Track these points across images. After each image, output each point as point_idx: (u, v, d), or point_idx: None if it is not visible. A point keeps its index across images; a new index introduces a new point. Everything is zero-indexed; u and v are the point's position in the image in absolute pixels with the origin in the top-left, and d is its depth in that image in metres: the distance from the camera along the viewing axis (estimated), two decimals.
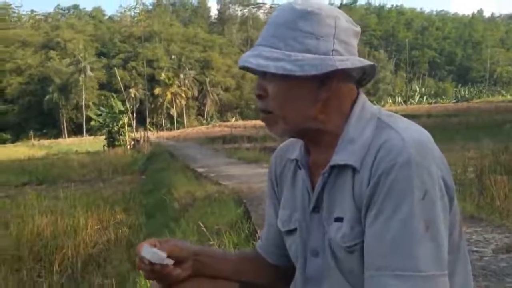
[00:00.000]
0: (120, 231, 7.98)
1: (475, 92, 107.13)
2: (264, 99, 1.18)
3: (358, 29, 1.20)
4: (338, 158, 1.15)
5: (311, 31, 1.13)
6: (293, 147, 1.32)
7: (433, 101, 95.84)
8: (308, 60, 1.11)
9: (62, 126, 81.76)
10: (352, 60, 1.15)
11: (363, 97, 1.21)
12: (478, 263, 3.10)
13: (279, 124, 1.18)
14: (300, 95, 1.15)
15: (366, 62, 1.17)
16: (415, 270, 1.01)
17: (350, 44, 1.17)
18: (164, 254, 1.25)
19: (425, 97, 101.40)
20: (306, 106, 1.16)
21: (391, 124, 1.13)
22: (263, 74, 1.17)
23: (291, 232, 1.28)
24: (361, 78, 1.22)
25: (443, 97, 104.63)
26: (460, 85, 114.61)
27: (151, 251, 1.24)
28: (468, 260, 1.21)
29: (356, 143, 1.14)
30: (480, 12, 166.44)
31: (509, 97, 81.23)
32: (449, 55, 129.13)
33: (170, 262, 1.26)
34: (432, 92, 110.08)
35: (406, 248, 1.02)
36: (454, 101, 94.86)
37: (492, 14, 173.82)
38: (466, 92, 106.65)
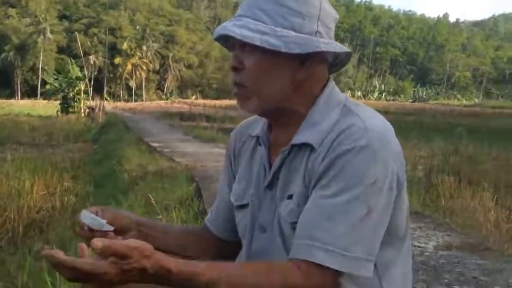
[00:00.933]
0: (66, 198, 7.82)
1: (432, 93, 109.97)
2: (240, 72, 1.16)
3: (337, 15, 1.20)
4: (299, 138, 1.16)
5: (298, 9, 1.13)
6: (255, 124, 1.31)
7: (392, 98, 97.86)
8: (293, 38, 1.11)
9: (16, 87, 79.30)
10: (334, 44, 1.16)
11: (332, 83, 1.22)
12: (418, 257, 3.17)
13: (252, 100, 1.16)
14: (278, 72, 1.14)
15: (345, 48, 1.18)
16: (344, 249, 1.03)
17: (330, 29, 1.18)
18: (103, 221, 1.21)
19: (384, 94, 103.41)
20: (283, 84, 1.15)
21: (356, 112, 1.14)
22: (241, 47, 1.14)
23: (242, 207, 1.28)
24: (332, 64, 1.22)
25: (401, 95, 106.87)
26: (418, 85, 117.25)
27: (90, 217, 1.20)
28: (410, 254, 1.24)
29: (319, 125, 1.15)
30: (446, 16, 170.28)
31: (464, 101, 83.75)
32: (411, 55, 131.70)
33: (110, 228, 1.22)
34: (391, 89, 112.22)
35: (343, 227, 1.04)
36: (411, 100, 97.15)
37: (457, 19, 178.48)
38: (424, 92, 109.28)
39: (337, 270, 1.04)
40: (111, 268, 0.95)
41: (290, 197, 1.15)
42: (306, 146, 1.14)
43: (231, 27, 1.12)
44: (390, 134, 1.12)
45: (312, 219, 1.06)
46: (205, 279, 1.00)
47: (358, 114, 1.13)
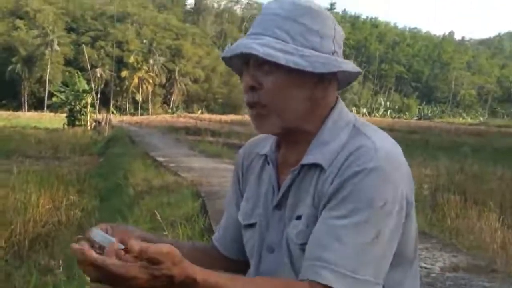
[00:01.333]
0: (72, 212, 7.82)
1: (437, 111, 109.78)
2: (257, 91, 1.15)
3: (344, 35, 1.22)
4: (309, 158, 1.16)
5: (316, 29, 1.14)
6: (263, 142, 1.31)
7: (397, 116, 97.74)
8: (316, 57, 1.12)
9: (22, 99, 79.72)
10: (349, 64, 1.17)
11: (341, 102, 1.23)
12: (425, 279, 3.17)
13: (271, 120, 1.16)
14: (298, 91, 1.15)
15: (357, 68, 1.19)
16: (354, 272, 1.03)
17: (341, 48, 1.19)
18: (113, 239, 1.22)
19: (389, 111, 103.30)
20: (302, 103, 1.16)
21: (366, 133, 1.15)
22: (258, 66, 1.14)
23: (250, 226, 1.27)
24: (339, 82, 1.23)
25: (407, 113, 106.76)
26: (424, 103, 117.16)
27: (100, 235, 1.21)
28: (418, 276, 1.24)
29: (329, 145, 1.15)
30: (451, 34, 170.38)
31: (469, 120, 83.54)
32: (417, 72, 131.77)
33: (121, 246, 1.23)
34: (396, 107, 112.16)
35: (352, 249, 1.04)
36: (417, 118, 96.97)
37: (463, 37, 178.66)
38: (429, 110, 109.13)
39: None
40: (141, 272, 0.93)
41: (299, 217, 1.16)
42: (315, 167, 1.15)
43: (251, 44, 1.11)
44: (400, 155, 1.13)
45: (321, 240, 1.06)
46: None
47: (367, 135, 1.13)
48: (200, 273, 0.98)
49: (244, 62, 1.17)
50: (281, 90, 1.13)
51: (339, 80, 1.20)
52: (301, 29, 1.13)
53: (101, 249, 1.21)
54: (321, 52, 1.13)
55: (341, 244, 1.04)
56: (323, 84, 1.16)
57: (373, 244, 1.05)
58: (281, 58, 1.09)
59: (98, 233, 1.20)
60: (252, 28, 1.17)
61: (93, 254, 0.95)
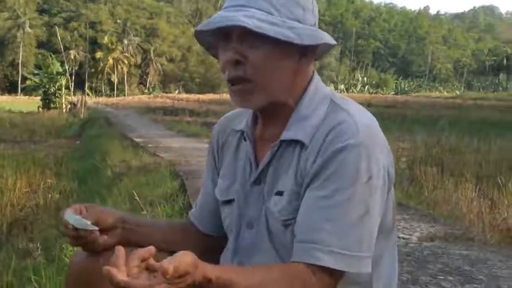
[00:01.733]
0: (49, 195, 7.72)
1: (414, 86, 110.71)
2: (241, 66, 1.12)
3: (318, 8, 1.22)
4: (288, 134, 1.15)
5: (298, 1, 1.13)
6: (239, 118, 1.30)
7: (374, 91, 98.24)
8: (303, 29, 1.10)
9: None
10: (328, 36, 1.16)
11: (317, 76, 1.21)
12: (403, 249, 3.21)
13: (256, 94, 1.13)
14: (285, 64, 1.13)
15: (334, 41, 1.18)
16: (348, 250, 1.04)
17: (317, 21, 1.18)
18: (88, 221, 1.21)
19: (366, 87, 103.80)
20: (287, 76, 1.14)
21: (344, 107, 1.14)
22: (240, 39, 1.10)
23: (228, 202, 1.27)
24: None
25: (384, 88, 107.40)
26: (401, 77, 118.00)
27: (74, 217, 1.20)
28: (396, 246, 1.26)
29: (307, 120, 1.14)
30: (427, 8, 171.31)
31: (446, 93, 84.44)
32: (393, 47, 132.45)
33: (95, 228, 1.22)
34: (374, 82, 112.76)
35: (343, 227, 1.04)
36: (394, 92, 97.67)
37: (438, 11, 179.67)
38: (406, 85, 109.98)
39: (342, 270, 1.05)
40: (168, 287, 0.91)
41: (279, 193, 1.15)
42: (296, 142, 1.14)
43: (241, 17, 1.06)
44: (378, 129, 1.13)
45: (311, 221, 1.06)
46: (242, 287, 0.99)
47: (346, 110, 1.13)
48: (213, 272, 0.97)
49: (223, 37, 1.12)
50: (268, 63, 1.11)
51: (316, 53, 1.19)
52: (284, 1, 1.10)
53: (76, 230, 1.20)
54: (304, 24, 1.12)
55: (332, 224, 1.04)
56: (306, 56, 1.14)
57: (363, 219, 1.05)
58: (270, 30, 1.06)
59: (72, 216, 1.19)
60: (229, 1, 1.13)
61: (119, 276, 0.91)
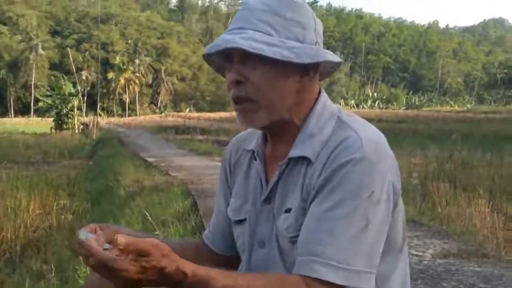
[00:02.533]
0: (63, 216, 7.78)
1: (425, 100, 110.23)
2: (243, 86, 1.14)
3: (322, 26, 1.23)
4: (296, 151, 1.16)
5: (297, 20, 1.14)
6: (250, 138, 1.31)
7: (385, 106, 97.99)
8: (302, 49, 1.12)
9: (9, 105, 79.02)
10: (332, 54, 1.17)
11: (324, 94, 1.23)
12: (417, 266, 3.19)
13: (259, 114, 1.15)
14: (285, 83, 1.14)
15: (339, 58, 1.19)
16: (346, 263, 1.04)
17: (322, 39, 1.20)
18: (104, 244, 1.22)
19: (377, 102, 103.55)
20: (289, 95, 1.16)
21: (350, 124, 1.15)
22: (241, 60, 1.13)
23: (240, 222, 1.28)
24: (320, 73, 1.23)
25: (394, 103, 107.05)
26: (411, 92, 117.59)
27: (89, 236, 1.21)
28: (407, 262, 1.25)
29: (315, 138, 1.15)
30: (436, 22, 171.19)
31: (457, 107, 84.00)
32: (403, 62, 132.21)
33: (106, 246, 1.23)
34: (384, 97, 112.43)
35: (343, 240, 1.05)
36: (405, 107, 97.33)
37: (447, 25, 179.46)
38: (417, 99, 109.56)
39: (340, 284, 1.04)
40: (131, 265, 0.94)
41: (288, 211, 1.16)
42: (303, 159, 1.15)
43: (237, 39, 1.10)
44: (385, 145, 1.13)
45: (311, 233, 1.07)
46: (219, 285, 1.00)
47: (352, 127, 1.14)
48: (189, 266, 0.99)
49: (227, 59, 1.16)
50: (268, 83, 1.13)
51: (320, 71, 1.20)
52: (283, 21, 1.12)
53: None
54: (304, 43, 1.13)
55: (332, 236, 1.05)
56: (308, 75, 1.16)
57: (363, 233, 1.05)
58: (267, 51, 1.09)
59: (86, 235, 1.20)
60: (233, 24, 1.16)
61: (92, 245, 0.99)
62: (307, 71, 1.15)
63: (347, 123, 1.16)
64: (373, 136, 1.13)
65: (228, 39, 1.11)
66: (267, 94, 1.13)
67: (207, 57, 1.20)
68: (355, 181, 1.06)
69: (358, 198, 1.06)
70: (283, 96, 1.14)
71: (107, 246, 1.23)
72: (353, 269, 1.04)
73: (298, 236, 1.12)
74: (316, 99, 1.20)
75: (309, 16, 1.17)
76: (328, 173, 1.08)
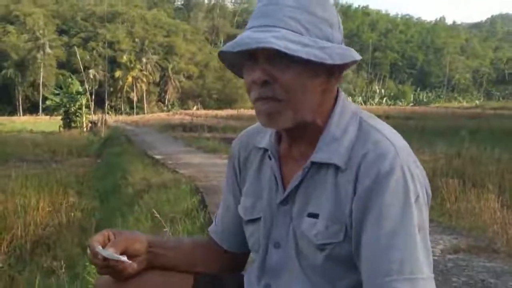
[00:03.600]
0: (72, 214, 7.82)
1: (433, 96, 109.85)
2: (270, 86, 1.09)
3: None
4: (320, 156, 1.13)
5: (326, 18, 1.10)
6: (260, 134, 1.27)
7: (392, 103, 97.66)
8: (333, 49, 1.08)
9: (17, 104, 79.46)
10: (355, 52, 1.14)
11: (343, 93, 1.20)
12: None
13: (285, 115, 1.10)
14: (313, 85, 1.10)
15: (359, 56, 1.15)
16: (420, 273, 1.02)
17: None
18: (119, 256, 1.22)
19: (384, 99, 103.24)
20: (317, 96, 1.12)
21: (375, 126, 1.13)
22: (268, 59, 1.07)
23: (253, 221, 1.25)
24: None
25: (402, 99, 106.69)
26: (419, 89, 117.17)
27: (106, 252, 1.21)
28: None
29: (339, 141, 1.12)
30: (443, 19, 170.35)
31: (465, 103, 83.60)
32: (411, 58, 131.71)
33: (126, 260, 1.23)
34: (392, 94, 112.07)
35: (410, 252, 1.03)
36: (412, 104, 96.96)
37: (454, 22, 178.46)
38: (425, 96, 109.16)
39: None
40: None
41: (313, 215, 1.13)
42: (328, 165, 1.12)
43: (270, 39, 1.04)
44: (410, 147, 1.12)
45: (377, 255, 1.04)
46: None
47: (378, 129, 1.11)
48: None
49: (249, 57, 1.10)
50: (298, 84, 1.08)
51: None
52: (313, 19, 1.08)
53: (105, 260, 1.21)
54: (333, 42, 1.10)
55: (399, 251, 1.02)
56: (334, 75, 1.13)
57: (420, 240, 1.04)
58: (302, 52, 1.04)
59: (103, 251, 1.20)
60: (255, 20, 1.10)
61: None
62: (334, 71, 1.12)
63: (370, 124, 1.13)
64: (401, 140, 1.11)
65: (259, 38, 1.05)
66: (296, 95, 1.09)
67: (222, 54, 1.15)
68: (401, 189, 1.04)
69: (409, 206, 1.04)
70: (310, 97, 1.11)
71: (128, 261, 1.23)
72: (427, 277, 1.03)
73: (328, 244, 1.11)
74: (336, 99, 1.18)
75: (333, 12, 1.13)
76: (369, 183, 1.06)
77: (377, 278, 1.03)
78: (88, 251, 1.24)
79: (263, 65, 1.08)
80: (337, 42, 1.11)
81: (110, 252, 1.20)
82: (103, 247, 1.21)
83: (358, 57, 1.13)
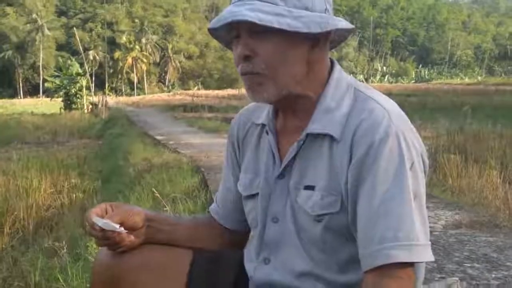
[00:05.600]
0: (74, 195, 7.84)
1: (435, 73, 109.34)
2: (251, 60, 1.10)
3: None
4: (315, 127, 1.12)
5: None
6: (258, 111, 1.27)
7: (394, 80, 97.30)
8: (311, 17, 1.06)
9: (17, 86, 79.29)
10: (342, 21, 1.12)
11: (338, 65, 1.19)
12: None
13: (267, 88, 1.10)
14: (294, 55, 1.09)
15: (351, 25, 1.14)
16: (415, 239, 1.02)
17: (331, 6, 1.15)
18: (116, 225, 1.21)
19: (386, 76, 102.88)
20: (298, 68, 1.11)
21: (370, 95, 1.12)
22: (250, 33, 1.08)
23: (252, 196, 1.25)
24: (331, 43, 1.18)
25: (404, 77, 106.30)
26: (421, 65, 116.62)
27: (102, 221, 1.20)
28: None
29: (334, 112, 1.11)
30: None
31: (467, 80, 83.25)
32: (412, 35, 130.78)
33: (123, 230, 1.23)
34: (393, 71, 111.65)
35: (406, 218, 1.02)
36: (414, 81, 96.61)
37: None
38: (426, 73, 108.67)
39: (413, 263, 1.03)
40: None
41: (309, 187, 1.13)
42: (323, 135, 1.11)
43: (244, 11, 1.05)
44: (406, 116, 1.11)
45: (372, 222, 1.03)
46: None
47: (373, 98, 1.10)
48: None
49: (235, 32, 1.11)
50: (276, 56, 1.08)
51: (331, 39, 1.16)
52: None
53: (103, 231, 1.21)
54: (313, 11, 1.08)
55: (394, 218, 1.02)
56: (318, 45, 1.11)
57: (416, 207, 1.03)
58: (274, 21, 1.03)
59: (100, 220, 1.20)
60: None
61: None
62: (317, 40, 1.10)
63: (366, 94, 1.12)
64: (396, 107, 1.10)
65: (234, 11, 1.06)
66: (276, 67, 1.08)
67: (214, 33, 1.15)
68: (396, 156, 1.03)
69: (404, 172, 1.03)
70: (292, 68, 1.10)
71: (124, 231, 1.23)
72: (423, 244, 1.02)
73: (324, 215, 1.10)
74: (330, 71, 1.16)
75: None
76: (363, 151, 1.05)
77: (373, 245, 1.03)
78: (86, 223, 1.24)
79: (245, 40, 1.09)
80: (318, 11, 1.09)
81: (106, 221, 1.20)
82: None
83: (345, 25, 1.11)
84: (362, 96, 1.12)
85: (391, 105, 1.09)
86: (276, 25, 1.04)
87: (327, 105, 1.12)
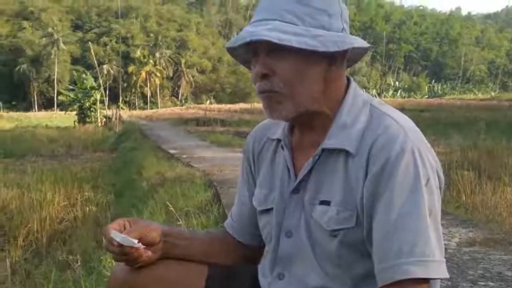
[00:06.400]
0: (87, 208, 7.89)
1: (448, 88, 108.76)
2: (270, 79, 1.12)
3: (348, 11, 1.20)
4: (331, 142, 1.14)
5: (323, 8, 1.11)
6: (274, 127, 1.29)
7: (407, 95, 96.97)
8: (328, 36, 1.09)
9: (32, 100, 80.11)
10: (359, 39, 1.14)
11: (354, 82, 1.21)
12: None
13: (284, 105, 1.13)
14: (312, 74, 1.12)
15: (367, 43, 1.16)
16: (431, 255, 1.02)
17: (348, 24, 1.17)
18: (134, 240, 1.22)
19: (399, 91, 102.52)
20: (315, 86, 1.13)
21: (386, 112, 1.13)
22: (268, 52, 1.11)
23: (266, 211, 1.26)
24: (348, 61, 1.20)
25: (417, 92, 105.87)
26: (433, 81, 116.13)
27: (120, 236, 1.21)
28: None
29: (350, 128, 1.13)
30: (458, 10, 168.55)
31: (480, 95, 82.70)
32: (425, 50, 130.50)
33: (141, 246, 1.23)
34: (406, 86, 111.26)
35: (421, 234, 1.03)
36: (427, 96, 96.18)
37: (469, 12, 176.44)
38: (439, 88, 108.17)
39: (428, 279, 1.03)
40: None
41: (324, 202, 1.14)
42: (339, 151, 1.13)
43: (262, 31, 1.07)
44: (420, 131, 1.12)
45: (389, 236, 1.04)
46: None
47: (389, 114, 1.12)
48: None
49: (253, 51, 1.13)
50: (294, 74, 1.10)
51: (348, 58, 1.18)
52: (308, 9, 1.10)
53: (121, 246, 1.22)
54: (331, 30, 1.10)
55: (412, 234, 1.02)
56: (335, 63, 1.13)
57: (431, 223, 1.04)
58: (293, 41, 1.06)
59: (118, 235, 1.21)
60: (256, 15, 1.13)
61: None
62: (334, 59, 1.12)
63: (381, 110, 1.13)
64: (411, 123, 1.11)
65: (253, 31, 1.08)
66: (294, 85, 1.11)
67: (232, 51, 1.18)
68: (412, 172, 1.04)
69: (420, 188, 1.04)
70: (310, 86, 1.12)
71: (142, 246, 1.24)
72: (439, 260, 1.03)
73: (339, 230, 1.11)
74: (346, 88, 1.18)
75: (335, 2, 1.13)
76: (380, 166, 1.06)
77: (388, 261, 1.03)
78: (104, 239, 1.25)
79: (264, 59, 1.11)
80: (336, 30, 1.11)
81: (124, 236, 1.21)
82: None
83: (361, 44, 1.13)
84: (378, 112, 1.13)
85: (407, 121, 1.11)
86: (295, 44, 1.06)
87: (344, 121, 1.14)
